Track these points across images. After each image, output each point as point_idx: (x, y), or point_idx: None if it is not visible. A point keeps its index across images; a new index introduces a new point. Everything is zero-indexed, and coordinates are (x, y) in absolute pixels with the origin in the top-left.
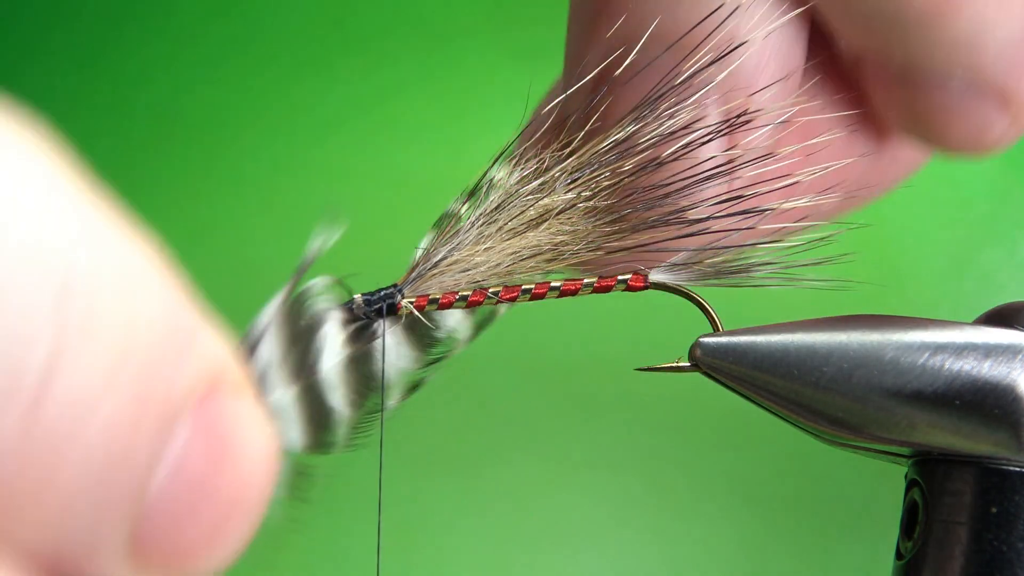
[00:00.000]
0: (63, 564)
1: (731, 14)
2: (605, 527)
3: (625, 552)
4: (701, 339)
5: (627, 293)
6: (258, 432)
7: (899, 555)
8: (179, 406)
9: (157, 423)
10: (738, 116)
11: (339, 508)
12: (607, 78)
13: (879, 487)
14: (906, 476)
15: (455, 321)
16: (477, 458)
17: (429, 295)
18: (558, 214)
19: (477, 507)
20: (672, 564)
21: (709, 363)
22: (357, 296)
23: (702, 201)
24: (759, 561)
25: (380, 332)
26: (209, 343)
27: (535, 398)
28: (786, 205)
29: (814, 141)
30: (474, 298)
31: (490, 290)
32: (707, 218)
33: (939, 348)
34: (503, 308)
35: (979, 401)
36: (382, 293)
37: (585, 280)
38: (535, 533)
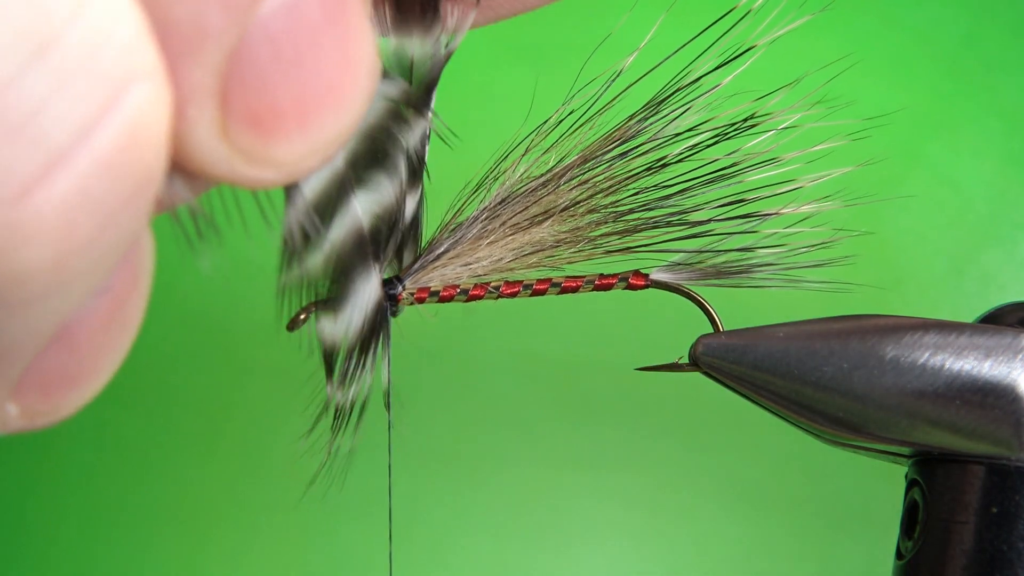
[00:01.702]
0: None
1: (742, 18)
2: (605, 527)
3: (625, 552)
4: (702, 339)
5: (627, 292)
6: (369, 36)
7: (899, 555)
8: None
9: None
10: (744, 120)
11: (338, 507)
12: None
13: (879, 487)
14: (906, 476)
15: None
16: (478, 458)
17: (430, 287)
18: (561, 211)
19: (478, 507)
20: (672, 564)
21: (709, 363)
22: None
23: (706, 203)
24: (759, 561)
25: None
26: None
27: (536, 398)
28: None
29: (817, 148)
30: (475, 292)
31: (491, 285)
32: (709, 220)
33: (939, 348)
34: None
35: (979, 401)
36: (382, 283)
37: (586, 278)
38: (535, 533)
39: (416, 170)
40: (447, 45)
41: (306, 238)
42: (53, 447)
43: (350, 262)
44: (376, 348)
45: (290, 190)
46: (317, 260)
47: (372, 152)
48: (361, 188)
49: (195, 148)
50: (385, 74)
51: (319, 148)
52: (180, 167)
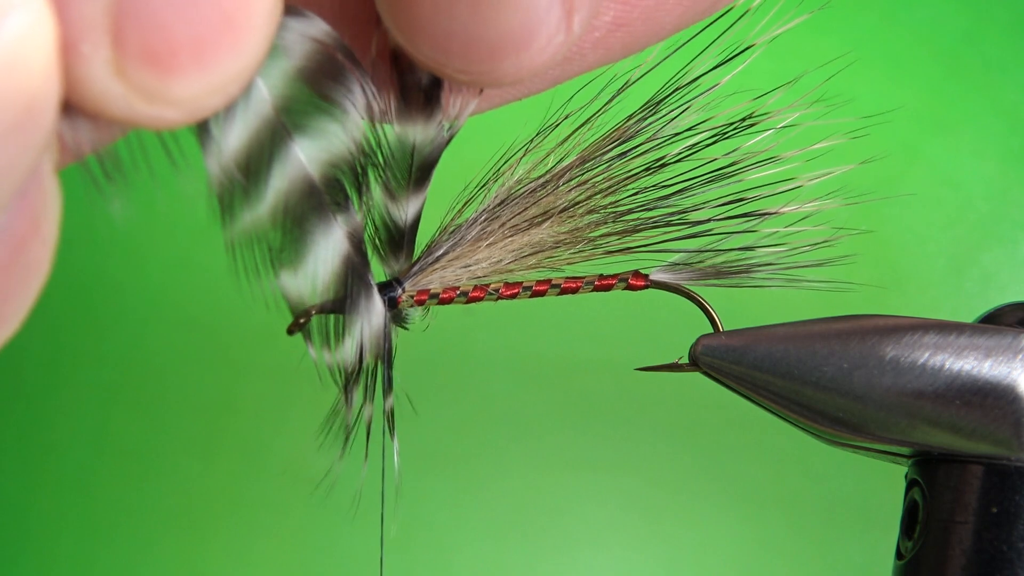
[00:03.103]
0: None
1: (740, 18)
2: (605, 527)
3: (625, 552)
4: (701, 339)
5: (627, 293)
6: None
7: (899, 555)
8: None
9: None
10: (743, 119)
11: (338, 508)
12: None
13: (879, 487)
14: (906, 476)
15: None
16: (478, 458)
17: (430, 289)
18: (560, 212)
19: (477, 507)
20: (672, 564)
21: (709, 363)
22: None
23: (705, 203)
24: (759, 561)
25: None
26: None
27: (536, 398)
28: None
29: (817, 146)
30: (475, 294)
31: (491, 286)
32: (709, 220)
33: (939, 348)
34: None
35: (979, 401)
36: (381, 285)
37: (586, 278)
38: (535, 533)
39: (407, 237)
40: (448, 130)
41: (243, 188)
42: (54, 447)
43: (300, 212)
44: (356, 310)
45: (202, 137)
46: (262, 212)
47: (308, 97)
48: (301, 134)
49: (92, 87)
50: (297, 12)
51: (219, 85)
52: (80, 108)
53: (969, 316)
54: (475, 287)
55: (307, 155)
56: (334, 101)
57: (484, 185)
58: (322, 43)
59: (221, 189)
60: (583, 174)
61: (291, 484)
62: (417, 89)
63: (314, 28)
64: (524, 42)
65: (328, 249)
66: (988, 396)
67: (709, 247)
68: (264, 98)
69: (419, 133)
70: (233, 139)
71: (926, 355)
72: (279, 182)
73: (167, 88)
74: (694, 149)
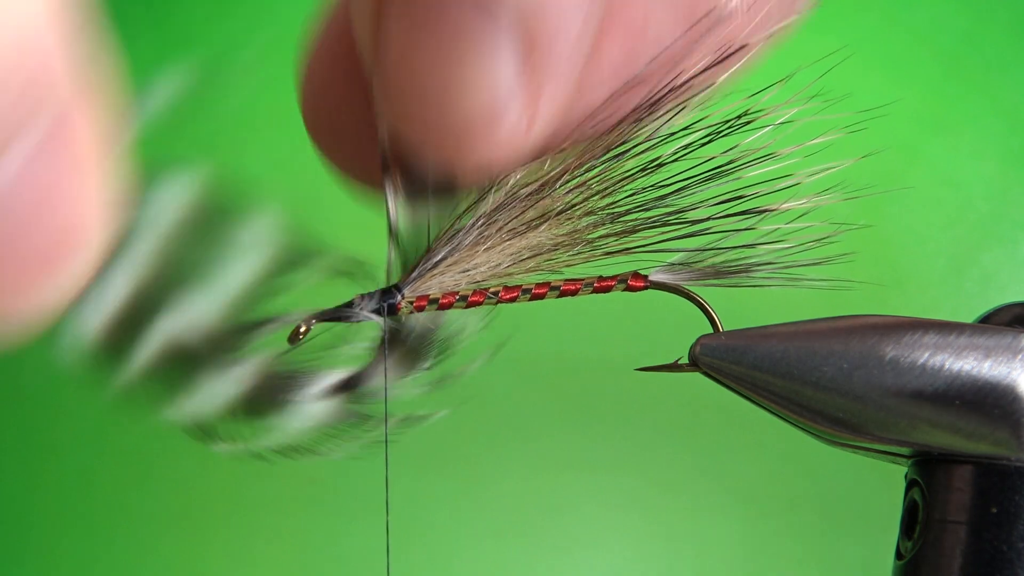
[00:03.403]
0: None
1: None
2: (605, 527)
3: (625, 552)
4: (701, 339)
5: (627, 293)
6: (100, 186)
7: (899, 555)
8: (48, 97)
9: (20, 98)
10: (738, 117)
11: (338, 508)
12: None
13: (879, 487)
14: (906, 476)
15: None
16: (477, 458)
17: (429, 295)
18: (557, 215)
19: (477, 507)
20: (672, 564)
21: (709, 363)
22: (356, 298)
23: (702, 201)
24: (759, 561)
25: (381, 335)
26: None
27: (535, 398)
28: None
29: (815, 141)
30: (474, 298)
31: (490, 290)
32: (707, 219)
33: (939, 348)
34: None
35: (979, 401)
36: (380, 292)
37: (585, 280)
38: (535, 533)
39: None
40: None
41: (122, 345)
42: (54, 447)
43: (201, 355)
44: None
45: (67, 316)
46: (144, 366)
47: (190, 254)
48: (197, 287)
49: None
50: (159, 186)
51: (55, 296)
52: None
53: (969, 316)
54: (474, 291)
55: (207, 304)
56: (220, 249)
57: (481, 190)
58: (192, 204)
59: (102, 348)
60: (579, 176)
61: (291, 484)
62: (421, 179)
63: (178, 191)
64: (489, 126)
65: (230, 382)
66: (988, 396)
67: (708, 246)
68: (128, 273)
69: (433, 217)
70: (100, 315)
71: (926, 355)
72: (160, 339)
73: (13, 302)
74: (690, 148)
